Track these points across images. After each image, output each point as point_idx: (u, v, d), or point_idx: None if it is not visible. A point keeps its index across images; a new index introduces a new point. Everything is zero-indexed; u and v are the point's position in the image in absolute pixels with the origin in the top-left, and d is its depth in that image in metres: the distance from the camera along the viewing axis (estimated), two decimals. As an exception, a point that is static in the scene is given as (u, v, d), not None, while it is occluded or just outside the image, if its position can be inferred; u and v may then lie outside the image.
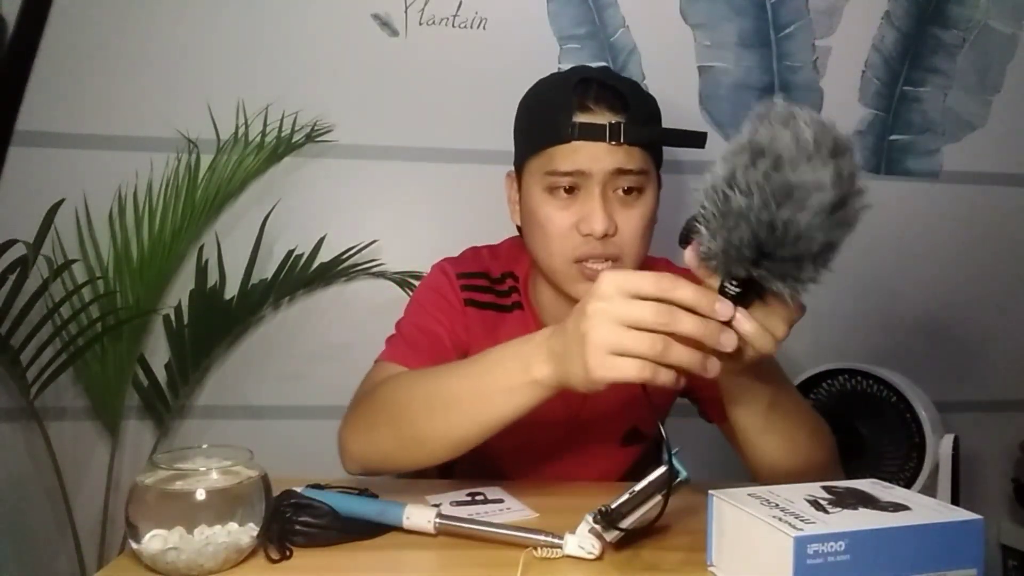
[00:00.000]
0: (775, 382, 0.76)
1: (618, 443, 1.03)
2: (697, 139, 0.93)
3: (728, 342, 0.60)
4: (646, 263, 1.02)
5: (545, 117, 0.90)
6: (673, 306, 0.59)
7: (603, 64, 0.97)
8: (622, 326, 0.60)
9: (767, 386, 0.75)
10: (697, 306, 0.59)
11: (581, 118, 0.87)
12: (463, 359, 0.80)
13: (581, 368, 0.62)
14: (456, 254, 1.08)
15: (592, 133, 0.86)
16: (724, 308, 0.59)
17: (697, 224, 0.57)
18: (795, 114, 0.55)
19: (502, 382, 0.71)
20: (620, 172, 0.88)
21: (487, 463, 1.00)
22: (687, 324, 0.58)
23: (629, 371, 0.60)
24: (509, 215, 1.00)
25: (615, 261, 0.90)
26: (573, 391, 0.66)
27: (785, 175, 0.53)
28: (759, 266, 0.56)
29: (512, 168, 0.99)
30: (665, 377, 0.60)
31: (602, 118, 0.87)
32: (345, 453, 0.88)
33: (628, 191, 0.89)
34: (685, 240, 0.60)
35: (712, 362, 0.61)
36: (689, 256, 0.61)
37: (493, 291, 1.02)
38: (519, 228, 0.99)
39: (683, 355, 0.59)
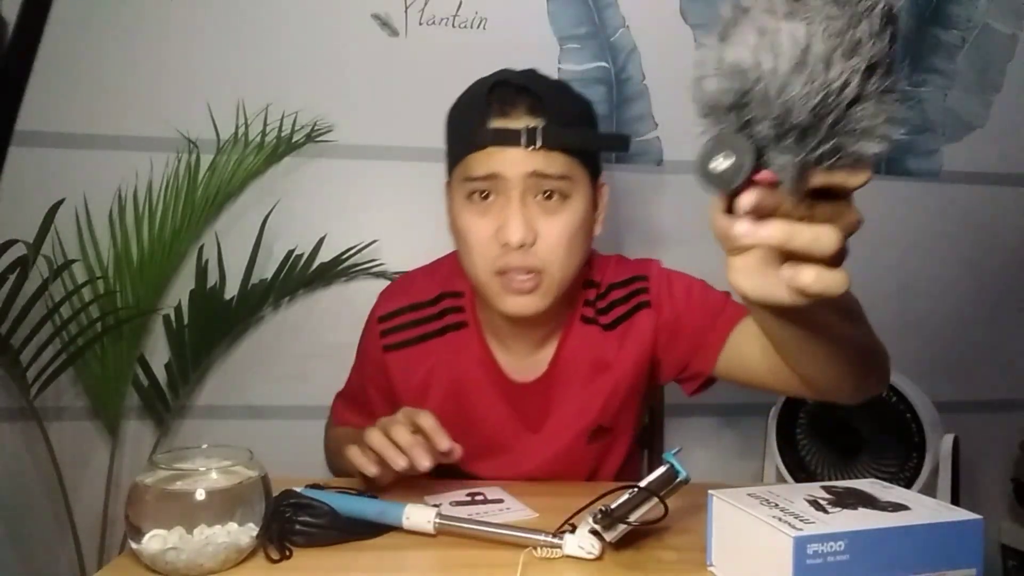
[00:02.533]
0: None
1: (585, 442, 1.01)
2: (620, 142, 0.92)
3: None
4: (594, 271, 1.01)
5: (463, 125, 0.90)
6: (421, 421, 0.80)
7: (530, 68, 0.93)
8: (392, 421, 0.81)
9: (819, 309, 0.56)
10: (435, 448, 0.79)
11: (496, 123, 0.85)
12: (352, 432, 0.95)
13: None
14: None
15: (507, 138, 0.84)
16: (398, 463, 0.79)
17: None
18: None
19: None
20: (539, 176, 0.84)
21: (462, 474, 1.00)
22: (401, 436, 0.80)
23: (357, 460, 0.82)
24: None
25: (537, 273, 0.87)
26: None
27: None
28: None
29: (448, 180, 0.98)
30: (372, 470, 0.81)
31: (518, 122, 0.84)
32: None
33: (549, 196, 0.86)
34: (729, 175, 0.43)
35: (422, 463, 0.77)
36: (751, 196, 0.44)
37: (420, 321, 1.01)
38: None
39: (384, 448, 0.79)
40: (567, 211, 0.87)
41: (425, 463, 0.77)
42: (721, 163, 0.43)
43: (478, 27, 1.54)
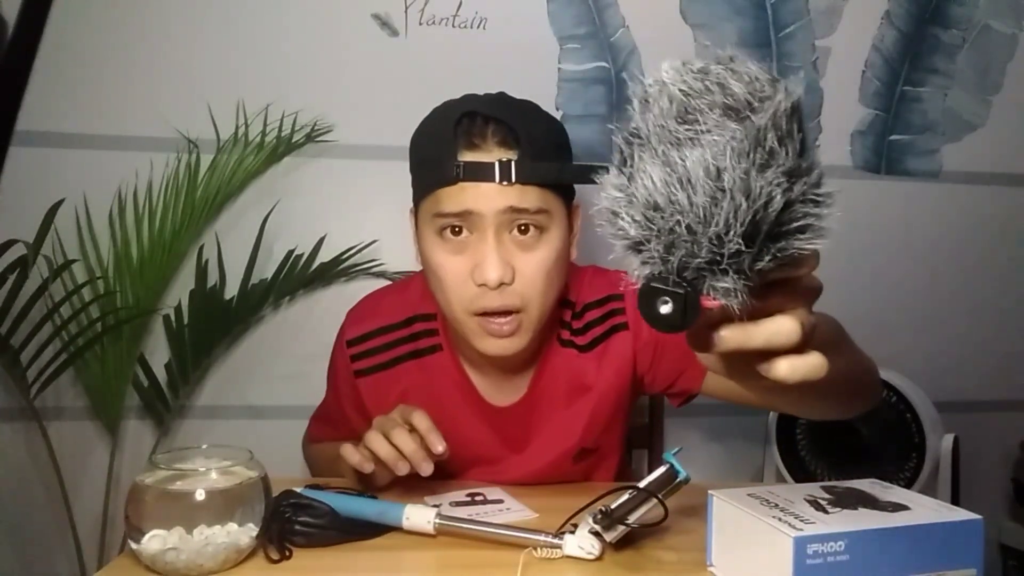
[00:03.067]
0: (833, 338, 0.65)
1: (570, 463, 1.00)
2: (592, 174, 0.88)
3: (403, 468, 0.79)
4: (573, 276, 0.97)
5: (431, 156, 0.84)
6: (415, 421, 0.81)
7: (499, 92, 0.89)
8: (376, 432, 0.81)
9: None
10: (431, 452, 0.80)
11: (467, 156, 0.80)
12: (330, 447, 0.98)
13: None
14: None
15: (479, 173, 0.79)
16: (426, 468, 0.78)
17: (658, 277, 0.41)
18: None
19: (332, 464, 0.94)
20: (514, 211, 0.81)
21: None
22: (400, 439, 0.80)
23: (358, 462, 0.81)
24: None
25: (517, 313, 0.84)
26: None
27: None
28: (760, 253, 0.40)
29: (412, 206, 0.93)
30: (366, 467, 0.81)
31: (490, 156, 0.80)
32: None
33: (525, 230, 0.82)
34: (676, 318, 0.40)
35: (423, 468, 0.79)
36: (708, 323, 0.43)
37: (391, 344, 0.98)
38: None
39: (382, 451, 0.80)
40: (544, 245, 0.84)
41: (428, 470, 0.77)
42: (663, 308, 0.40)
43: (478, 27, 1.54)
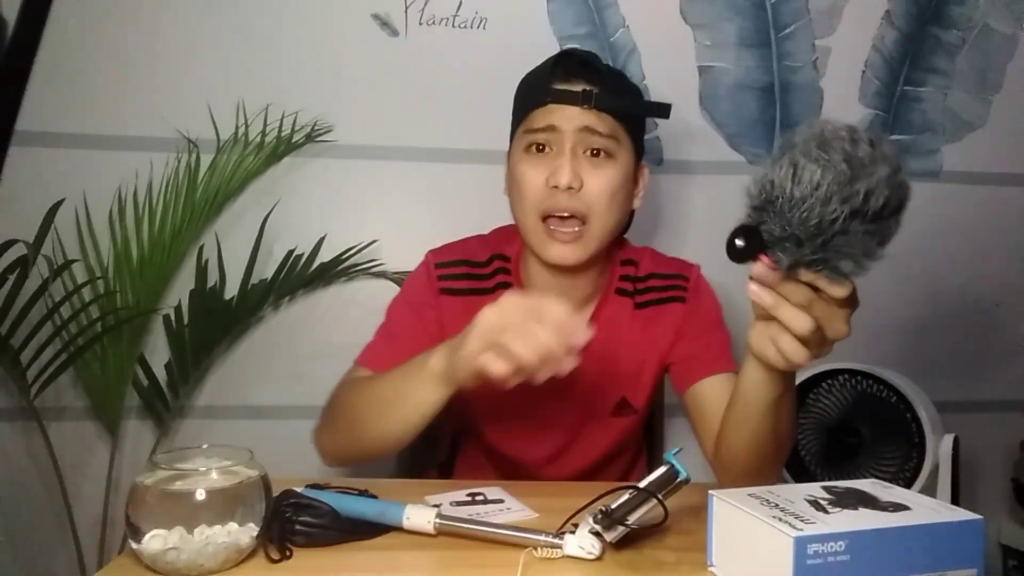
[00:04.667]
0: (788, 381, 0.79)
1: (610, 414, 1.07)
2: (663, 110, 1.02)
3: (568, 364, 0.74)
4: (629, 252, 1.10)
5: (530, 88, 1.01)
6: (544, 310, 0.73)
7: (592, 51, 1.08)
8: (497, 328, 0.74)
9: (782, 385, 0.76)
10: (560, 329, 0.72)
11: (559, 86, 0.96)
12: (397, 366, 0.89)
13: (463, 361, 0.76)
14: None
15: (565, 97, 0.95)
16: (579, 339, 0.74)
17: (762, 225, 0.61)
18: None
19: (414, 380, 0.84)
20: (589, 131, 0.95)
21: (487, 446, 1.06)
22: (541, 333, 0.72)
23: (488, 365, 0.73)
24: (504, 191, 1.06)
25: (581, 221, 0.95)
26: (468, 381, 0.78)
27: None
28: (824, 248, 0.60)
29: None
30: (521, 373, 0.73)
31: (577, 86, 0.96)
32: (318, 449, 1.00)
33: (596, 153, 0.96)
34: (742, 252, 0.62)
35: (566, 363, 0.74)
36: (761, 269, 0.63)
37: (473, 276, 1.06)
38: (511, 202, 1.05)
39: (526, 352, 0.72)
40: (611, 167, 0.97)
41: (571, 365, 0.75)
42: (738, 241, 0.61)
43: (478, 27, 1.54)
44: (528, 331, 0.72)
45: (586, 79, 0.96)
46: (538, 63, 1.04)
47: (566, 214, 0.95)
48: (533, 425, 1.05)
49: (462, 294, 1.04)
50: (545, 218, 0.96)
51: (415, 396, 0.84)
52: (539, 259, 1.00)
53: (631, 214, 1.08)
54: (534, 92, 0.99)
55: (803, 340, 0.65)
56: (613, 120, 0.96)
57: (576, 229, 0.96)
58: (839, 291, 0.62)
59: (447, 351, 0.81)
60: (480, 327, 0.76)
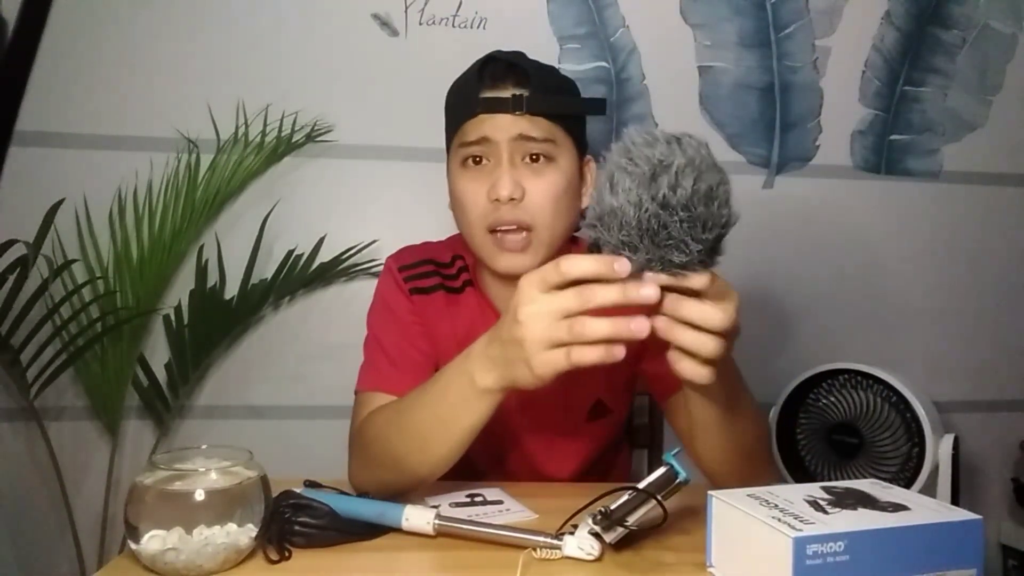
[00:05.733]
0: (733, 383, 0.79)
1: (584, 419, 1.03)
2: (597, 106, 1.00)
3: (639, 327, 0.64)
4: (582, 250, 1.01)
5: (459, 99, 0.98)
6: (586, 284, 0.64)
7: (519, 51, 1.01)
8: (552, 320, 0.65)
9: (725, 384, 0.76)
10: (600, 273, 0.64)
11: (486, 93, 0.93)
12: (422, 385, 0.83)
13: (526, 370, 0.68)
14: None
15: (495, 105, 0.92)
16: (621, 265, 0.63)
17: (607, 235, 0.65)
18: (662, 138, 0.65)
19: (456, 400, 0.77)
20: (524, 138, 0.91)
21: (459, 464, 0.95)
22: (602, 295, 0.64)
23: (563, 361, 0.66)
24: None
25: (527, 231, 0.92)
26: (532, 385, 0.70)
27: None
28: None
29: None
30: (590, 355, 0.65)
31: (505, 92, 0.92)
32: (358, 489, 0.89)
33: (535, 159, 0.93)
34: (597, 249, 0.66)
35: (637, 321, 0.64)
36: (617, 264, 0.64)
37: (440, 274, 1.05)
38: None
39: (605, 328, 0.64)
40: (552, 172, 0.93)
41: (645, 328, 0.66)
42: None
43: (478, 27, 1.54)
44: (594, 302, 0.64)
45: (514, 82, 0.93)
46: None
47: (512, 226, 0.92)
48: (502, 435, 1.00)
49: (432, 291, 1.03)
50: (492, 231, 0.93)
51: (462, 418, 0.77)
52: (489, 270, 0.98)
53: (582, 212, 1.01)
54: (463, 102, 0.95)
55: (696, 352, 0.64)
56: (548, 123, 0.92)
57: (524, 235, 0.92)
58: (695, 282, 0.63)
59: (489, 362, 0.73)
60: (530, 328, 0.66)
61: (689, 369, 0.65)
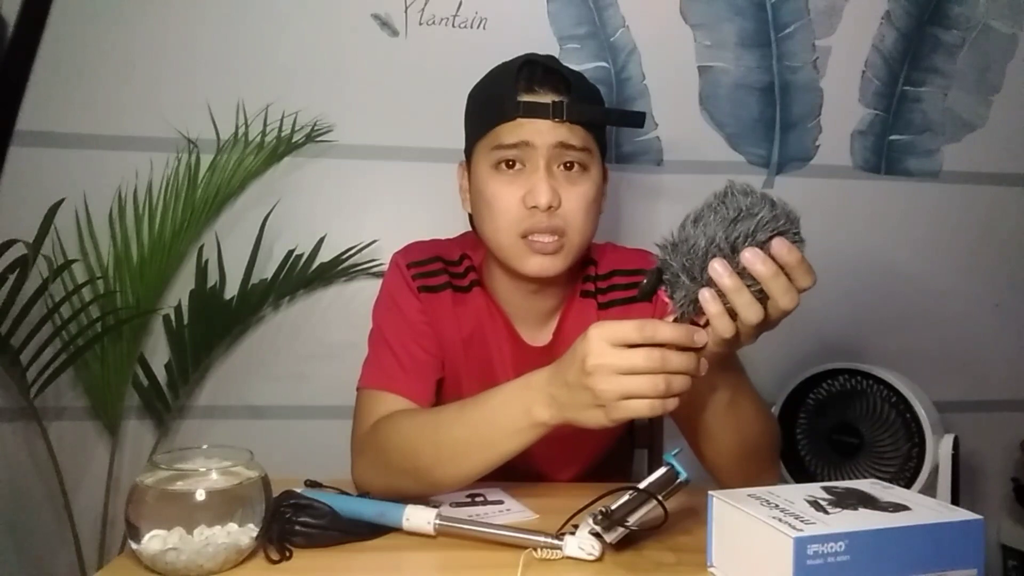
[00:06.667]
0: (738, 379, 0.81)
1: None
2: (636, 119, 0.99)
3: (703, 368, 0.69)
4: (593, 249, 1.07)
5: (492, 100, 0.95)
6: (660, 348, 0.66)
7: (551, 55, 1.00)
8: (622, 375, 0.67)
9: (729, 381, 0.78)
10: (679, 341, 0.66)
11: (525, 98, 0.91)
12: (463, 402, 0.83)
13: (596, 414, 0.70)
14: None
15: (536, 111, 0.90)
16: (701, 337, 0.67)
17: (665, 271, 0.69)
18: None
19: (506, 427, 0.77)
20: (563, 146, 0.91)
21: None
22: (677, 362, 0.66)
23: (642, 410, 0.67)
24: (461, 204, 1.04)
25: (560, 236, 0.92)
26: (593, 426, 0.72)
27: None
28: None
29: (463, 160, 1.03)
30: (671, 405, 0.68)
31: (545, 98, 0.91)
32: (361, 488, 0.89)
33: (571, 167, 0.93)
34: (649, 292, 0.70)
35: (702, 365, 0.69)
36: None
37: (448, 273, 1.04)
38: (471, 217, 1.02)
39: (681, 384, 0.67)
40: (586, 181, 0.94)
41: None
42: (645, 279, 0.69)
43: (478, 27, 1.54)
44: (663, 364, 0.66)
45: (553, 88, 0.92)
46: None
47: (547, 232, 0.92)
48: None
49: (440, 290, 1.02)
50: (524, 236, 0.93)
51: (507, 443, 0.78)
52: (514, 271, 0.96)
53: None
54: (498, 105, 0.93)
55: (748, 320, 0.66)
56: (584, 132, 0.92)
57: (557, 239, 0.92)
58: (752, 316, 0.66)
59: (550, 399, 0.73)
60: (600, 381, 0.67)
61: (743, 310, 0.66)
